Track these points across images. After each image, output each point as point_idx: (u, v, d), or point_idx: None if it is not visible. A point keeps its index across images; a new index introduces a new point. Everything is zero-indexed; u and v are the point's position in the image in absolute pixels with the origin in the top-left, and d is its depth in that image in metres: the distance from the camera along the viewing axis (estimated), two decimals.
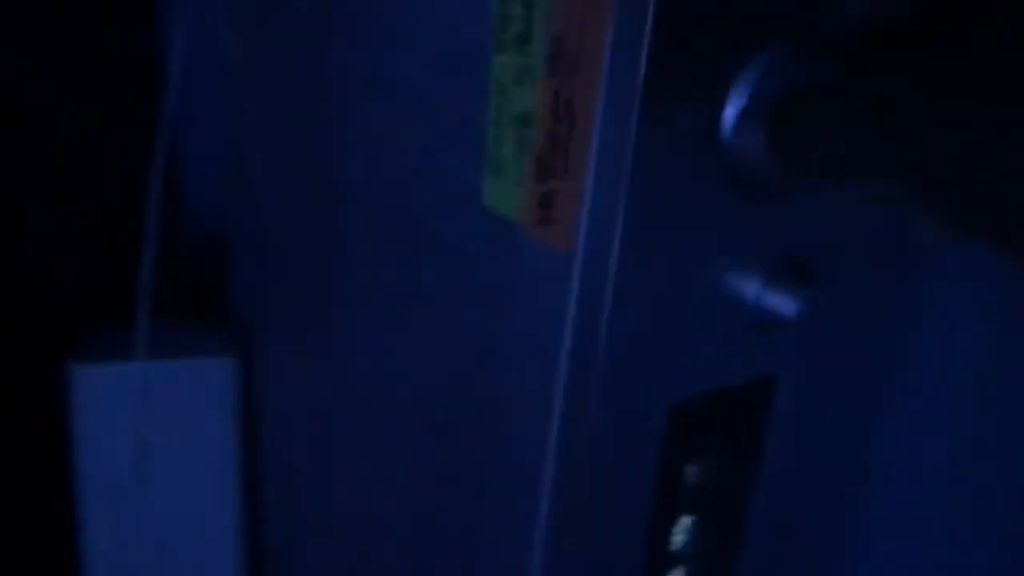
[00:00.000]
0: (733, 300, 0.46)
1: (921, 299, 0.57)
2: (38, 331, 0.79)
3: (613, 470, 0.47)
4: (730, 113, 0.41)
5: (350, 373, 0.64)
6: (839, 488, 0.60)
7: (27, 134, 0.77)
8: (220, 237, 0.82)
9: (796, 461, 0.55)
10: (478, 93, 0.45)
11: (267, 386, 0.77)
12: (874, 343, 0.56)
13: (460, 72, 0.47)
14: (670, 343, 0.45)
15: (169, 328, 0.69)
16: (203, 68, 0.69)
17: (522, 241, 0.45)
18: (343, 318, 0.64)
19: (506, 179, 0.45)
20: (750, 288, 0.46)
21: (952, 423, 0.58)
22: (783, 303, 0.46)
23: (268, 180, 0.70)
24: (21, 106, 0.76)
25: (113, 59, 0.77)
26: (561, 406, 0.45)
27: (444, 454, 0.55)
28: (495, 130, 0.45)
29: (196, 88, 0.68)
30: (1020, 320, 0.53)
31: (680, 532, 0.53)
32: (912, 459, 0.59)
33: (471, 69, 0.45)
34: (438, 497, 0.57)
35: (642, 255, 0.41)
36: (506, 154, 0.45)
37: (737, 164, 0.42)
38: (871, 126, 0.36)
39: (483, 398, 0.50)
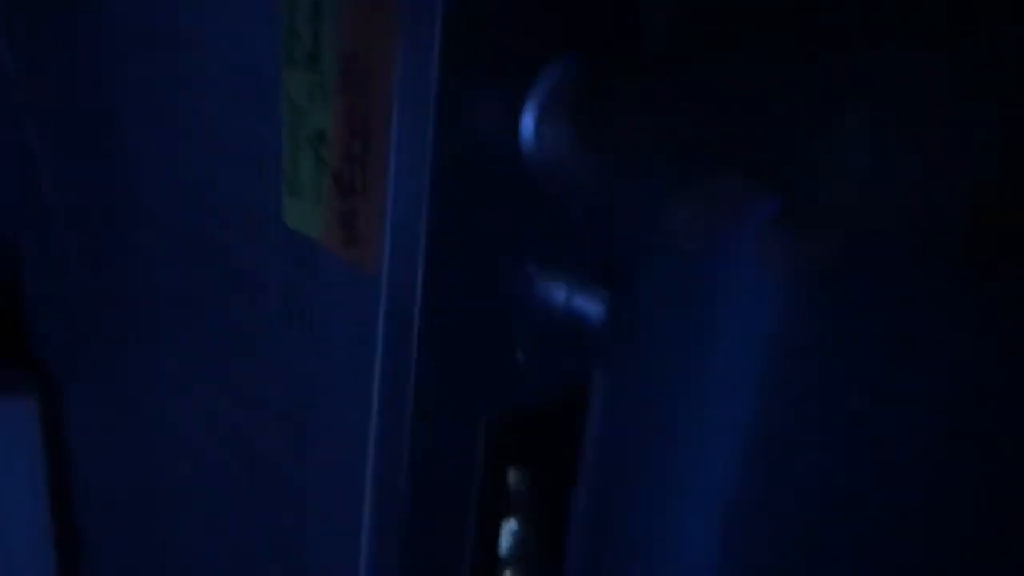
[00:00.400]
0: (544, 307, 0.47)
1: (735, 296, 0.59)
2: None
3: (433, 487, 0.47)
4: (529, 115, 0.41)
5: (156, 406, 0.61)
6: (656, 488, 0.61)
7: None
8: (10, 262, 0.77)
9: (615, 461, 0.56)
10: (272, 113, 0.43)
11: (74, 423, 0.73)
12: (686, 344, 0.57)
13: (253, 93, 0.45)
14: (484, 356, 0.45)
15: None
16: None
17: (330, 264, 0.44)
18: (146, 351, 0.61)
19: (306, 199, 0.44)
20: (559, 294, 0.47)
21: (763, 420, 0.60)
22: (590, 307, 0.46)
23: (60, 207, 0.66)
24: None
25: None
26: (376, 430, 0.44)
27: (263, 486, 0.54)
28: (292, 150, 0.44)
29: None
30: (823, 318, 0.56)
31: (506, 535, 0.53)
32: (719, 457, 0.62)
33: (263, 89, 0.44)
34: (258, 526, 0.55)
35: (449, 271, 0.41)
36: (304, 174, 0.43)
37: (541, 169, 0.42)
38: (672, 101, 0.37)
39: (297, 426, 0.49)
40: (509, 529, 0.53)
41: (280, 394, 0.50)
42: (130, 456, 0.67)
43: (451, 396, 0.45)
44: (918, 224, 0.38)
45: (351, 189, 0.41)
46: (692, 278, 0.54)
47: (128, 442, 0.67)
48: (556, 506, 0.55)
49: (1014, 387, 0.49)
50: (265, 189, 0.46)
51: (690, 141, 0.38)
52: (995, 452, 0.51)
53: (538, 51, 0.41)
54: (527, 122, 0.41)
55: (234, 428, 0.54)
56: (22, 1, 0.63)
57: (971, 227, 0.37)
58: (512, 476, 0.51)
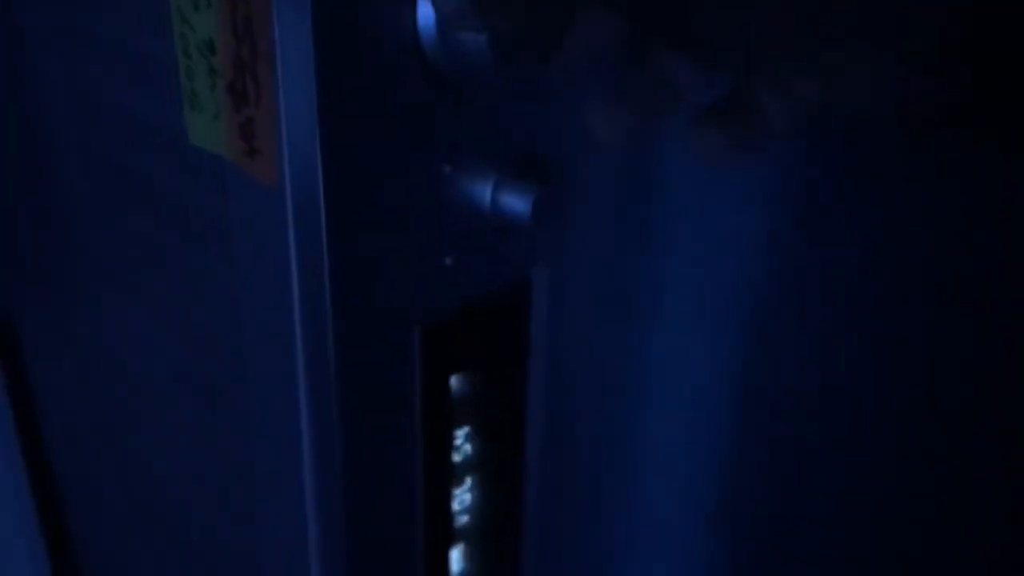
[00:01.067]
0: (467, 209, 0.45)
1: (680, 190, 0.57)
2: None
3: (372, 402, 0.46)
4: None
5: (98, 337, 0.61)
6: (615, 392, 0.60)
7: None
8: None
9: (569, 365, 0.55)
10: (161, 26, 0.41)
11: (33, 365, 0.72)
12: (625, 239, 0.56)
13: (150, 13, 0.43)
14: (408, 263, 0.44)
15: None
16: None
17: (237, 178, 0.42)
18: (82, 281, 0.60)
19: (206, 113, 0.42)
20: (482, 193, 0.45)
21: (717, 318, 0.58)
22: (517, 203, 0.45)
23: None
24: None
25: None
26: (302, 345, 0.43)
27: (205, 407, 0.53)
28: (185, 61, 0.42)
29: None
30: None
31: (460, 442, 0.53)
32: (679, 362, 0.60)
33: (158, 7, 0.42)
34: (208, 447, 0.55)
35: (352, 176, 0.39)
36: (200, 86, 0.41)
37: (442, 61, 0.40)
38: None
39: (228, 346, 0.48)
40: (463, 436, 0.53)
41: (205, 314, 0.49)
42: (87, 392, 0.67)
43: (377, 308, 0.44)
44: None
45: (245, 99, 0.39)
46: (624, 172, 0.52)
47: (81, 376, 0.67)
48: (509, 410, 0.54)
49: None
50: (169, 109, 0.44)
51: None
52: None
53: None
54: (423, 10, 0.39)
55: (169, 351, 0.53)
56: None
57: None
58: (457, 383, 0.50)
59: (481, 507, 0.55)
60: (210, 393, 0.51)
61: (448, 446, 0.51)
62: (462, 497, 0.54)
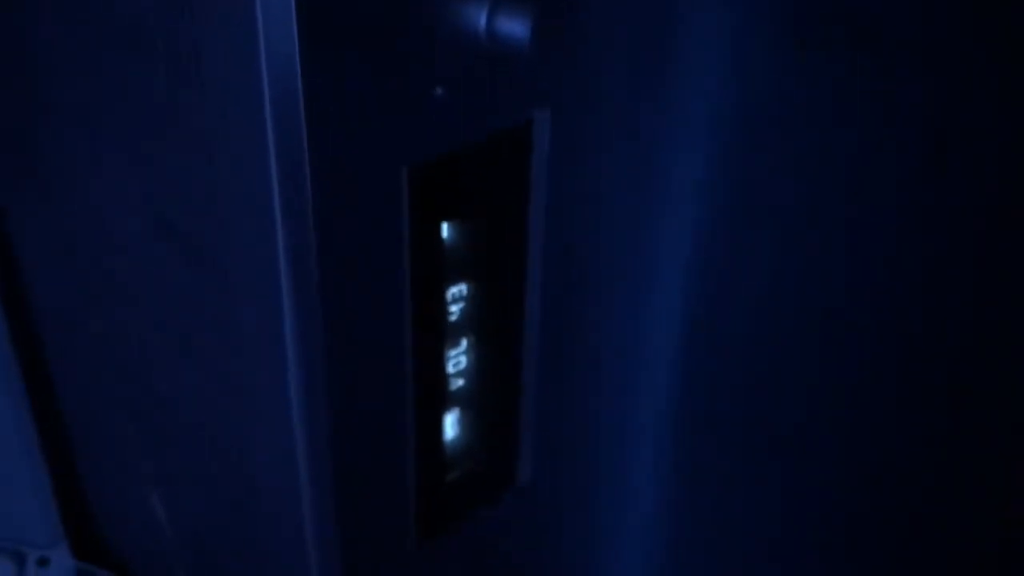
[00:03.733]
0: (460, 29, 0.40)
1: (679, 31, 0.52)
2: None
3: (357, 246, 0.42)
4: None
5: (84, 199, 0.57)
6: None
7: None
8: None
9: (572, 218, 0.51)
10: None
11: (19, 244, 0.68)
12: (636, 78, 0.51)
13: None
14: (394, 91, 0.39)
15: None
16: None
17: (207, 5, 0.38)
18: (63, 139, 0.55)
19: None
20: (477, 13, 0.40)
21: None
22: (515, 27, 0.40)
23: None
24: None
25: None
26: (280, 180, 0.39)
27: (189, 266, 0.49)
28: None
29: None
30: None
31: (456, 300, 0.49)
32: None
33: None
34: (194, 311, 0.51)
35: None
36: None
37: None
38: None
39: (207, 193, 0.44)
40: (459, 293, 0.49)
41: (183, 159, 0.44)
42: (75, 261, 0.63)
43: (361, 142, 0.40)
44: None
45: None
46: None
47: (68, 245, 0.63)
48: (507, 266, 0.50)
49: None
50: None
51: None
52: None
53: None
54: None
55: (152, 205, 0.49)
56: None
57: None
58: (450, 232, 0.46)
59: (477, 370, 0.52)
60: (190, 248, 0.48)
61: (441, 302, 0.48)
62: (457, 359, 0.51)
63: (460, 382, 0.52)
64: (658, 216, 0.55)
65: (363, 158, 0.40)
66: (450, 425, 0.53)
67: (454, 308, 0.49)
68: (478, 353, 0.51)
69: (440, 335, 0.48)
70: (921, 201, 0.47)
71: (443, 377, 0.50)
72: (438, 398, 0.50)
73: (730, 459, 0.63)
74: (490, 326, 0.51)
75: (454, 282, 0.48)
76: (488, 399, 0.53)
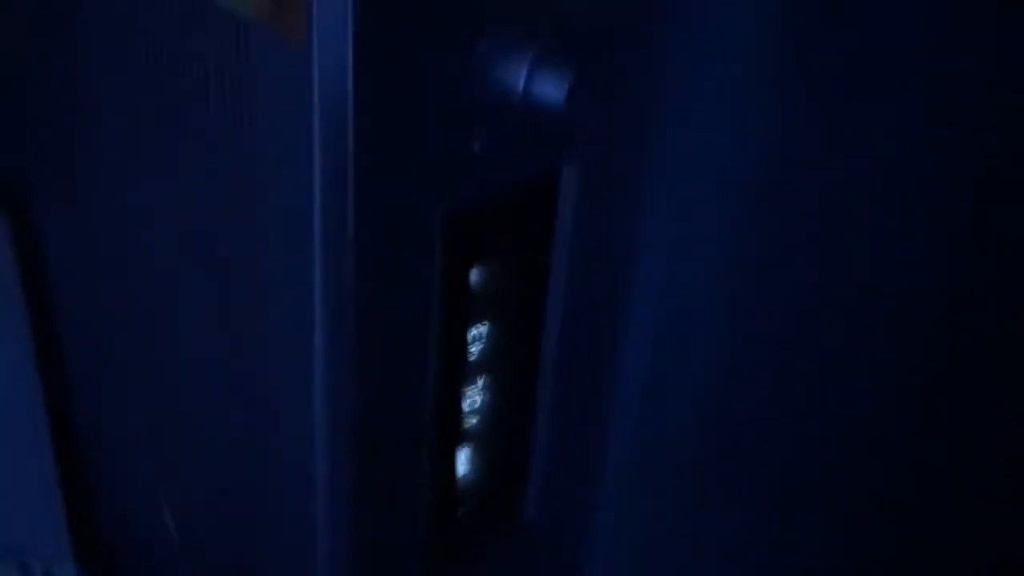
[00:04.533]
0: (500, 90, 0.43)
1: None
2: None
3: (390, 288, 0.44)
4: None
5: (121, 209, 0.59)
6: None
7: None
8: None
9: (589, 257, 0.53)
10: None
11: (47, 237, 0.70)
12: (660, 132, 0.53)
13: None
14: (435, 144, 0.42)
15: None
16: None
17: (261, 38, 0.40)
18: (97, 153, 0.58)
19: None
20: (516, 76, 0.43)
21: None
22: (553, 89, 0.42)
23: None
24: None
25: None
26: (322, 220, 0.41)
27: (217, 279, 0.51)
28: None
29: None
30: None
31: (476, 340, 0.51)
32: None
33: None
34: (219, 322, 0.53)
35: (385, 40, 0.37)
36: None
37: None
38: None
39: (243, 213, 0.46)
40: (479, 334, 0.51)
41: (220, 185, 0.47)
42: (101, 270, 0.65)
43: (401, 188, 0.42)
44: None
45: None
46: (667, 57, 0.50)
47: (95, 254, 0.65)
48: (528, 308, 0.52)
49: None
50: None
51: None
52: None
53: None
54: None
55: (181, 221, 0.52)
56: None
57: None
58: (477, 275, 0.49)
59: (492, 409, 0.54)
60: (222, 269, 0.50)
61: (464, 341, 0.50)
62: (473, 397, 0.53)
63: (474, 420, 0.54)
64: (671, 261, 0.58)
65: (403, 204, 0.42)
66: (463, 462, 0.54)
67: (474, 348, 0.51)
68: (493, 392, 0.53)
69: (460, 373, 0.50)
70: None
71: (460, 414, 0.52)
72: (454, 434, 0.52)
73: (741, 499, 0.64)
74: (507, 366, 0.53)
75: (476, 322, 0.50)
76: (500, 437, 0.55)
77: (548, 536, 0.62)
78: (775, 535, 0.63)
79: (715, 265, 0.58)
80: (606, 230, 0.53)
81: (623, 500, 0.66)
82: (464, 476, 0.55)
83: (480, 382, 0.53)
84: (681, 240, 0.57)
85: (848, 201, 0.53)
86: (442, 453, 0.52)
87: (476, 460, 0.55)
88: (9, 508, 0.77)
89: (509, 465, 0.57)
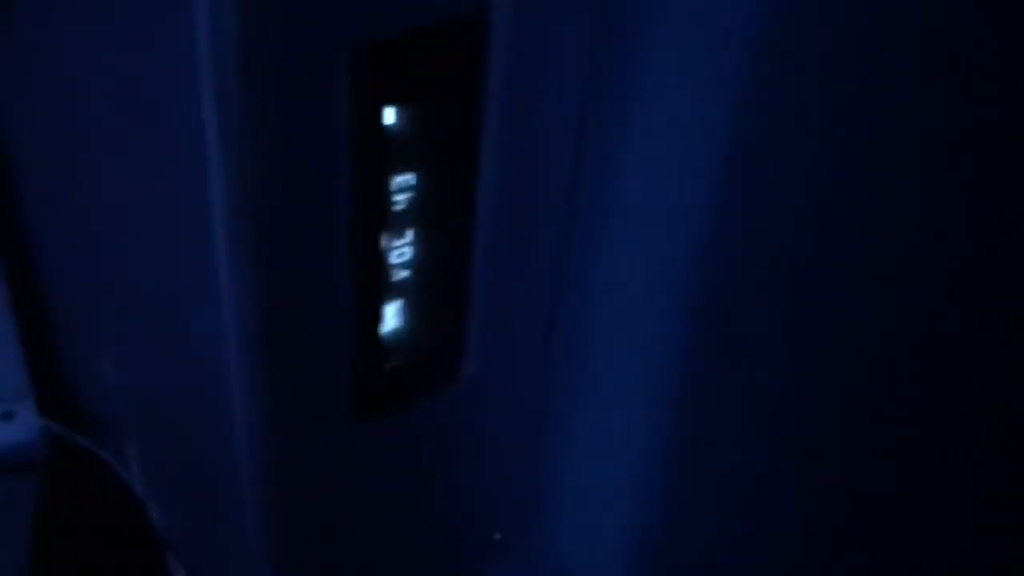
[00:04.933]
0: None
1: None
2: None
3: (293, 127, 0.41)
4: None
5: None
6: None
7: None
8: None
9: (533, 105, 0.49)
10: None
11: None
12: None
13: None
14: None
15: None
16: None
17: None
18: None
19: None
20: None
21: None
22: None
23: None
24: None
25: None
26: (211, 53, 0.38)
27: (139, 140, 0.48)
28: None
29: None
30: None
31: (401, 190, 0.48)
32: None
33: None
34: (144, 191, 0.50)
35: None
36: None
37: None
38: None
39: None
40: (403, 183, 0.48)
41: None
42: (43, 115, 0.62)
43: (297, 21, 0.38)
44: None
45: None
46: None
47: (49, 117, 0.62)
48: (461, 155, 0.49)
49: None
50: None
51: None
52: None
53: None
54: None
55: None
56: None
57: None
58: (397, 119, 0.45)
59: (423, 262, 0.51)
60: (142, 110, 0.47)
61: (382, 191, 0.47)
62: (401, 250, 0.50)
63: (405, 273, 0.51)
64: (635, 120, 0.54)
65: (298, 35, 0.39)
66: (392, 314, 0.52)
67: (399, 198, 0.48)
68: (425, 244, 0.51)
69: (378, 223, 0.47)
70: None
71: (381, 266, 0.49)
72: (375, 287, 0.50)
73: (736, 382, 0.60)
74: (438, 218, 0.50)
75: (399, 172, 0.47)
76: (433, 291, 0.52)
77: (495, 394, 0.60)
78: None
79: (710, 126, 0.53)
80: (555, 73, 0.49)
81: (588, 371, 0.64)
82: (394, 330, 0.52)
83: (411, 234, 0.50)
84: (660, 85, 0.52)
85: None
86: (362, 305, 0.49)
87: (407, 314, 0.53)
88: None
89: (444, 319, 0.54)
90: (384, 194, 0.47)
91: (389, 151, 0.45)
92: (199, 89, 0.39)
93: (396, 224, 0.49)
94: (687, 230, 0.53)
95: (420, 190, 0.48)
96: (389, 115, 0.45)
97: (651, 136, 0.52)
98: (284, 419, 0.50)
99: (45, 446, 0.79)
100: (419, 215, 0.49)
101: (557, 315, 0.62)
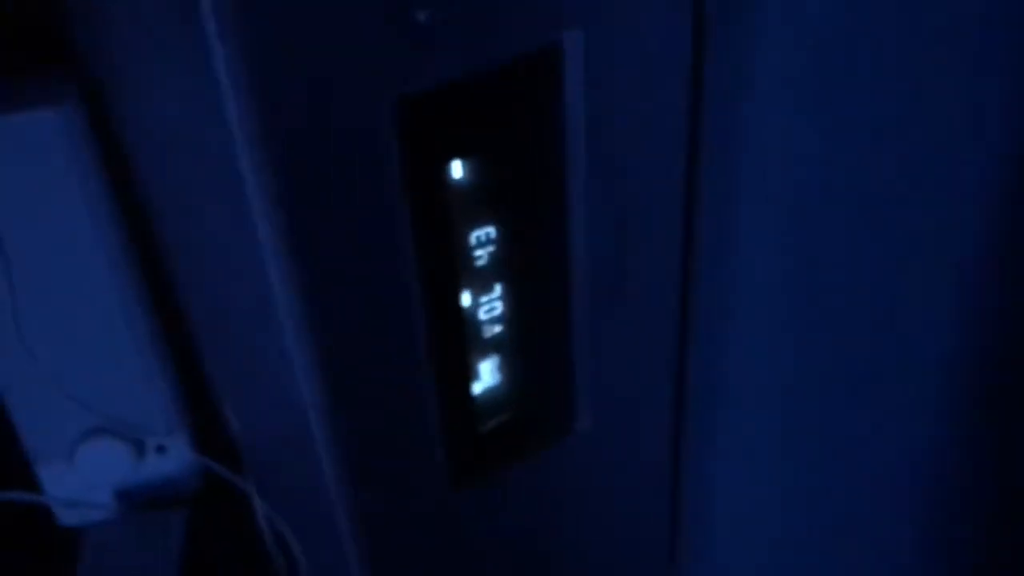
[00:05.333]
0: None
1: None
2: None
3: (344, 193, 0.38)
4: None
5: None
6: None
7: None
8: None
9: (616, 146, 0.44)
10: None
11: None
12: None
13: None
14: (367, 17, 0.34)
15: None
16: None
17: None
18: None
19: None
20: None
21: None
22: None
23: None
24: None
25: None
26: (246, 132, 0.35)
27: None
28: None
29: None
30: None
31: (481, 245, 0.44)
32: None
33: None
34: None
35: None
36: None
37: None
38: None
39: None
40: (483, 237, 0.44)
41: None
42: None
43: (330, 71, 0.35)
44: None
45: None
46: None
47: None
48: (540, 202, 0.44)
49: None
50: None
51: None
52: None
53: None
54: None
55: None
56: None
57: None
58: (461, 169, 0.41)
59: (516, 316, 0.47)
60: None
61: (453, 246, 0.43)
62: (491, 305, 0.46)
63: (497, 328, 0.47)
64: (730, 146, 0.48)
65: (338, 92, 0.35)
66: (488, 372, 0.48)
67: (480, 252, 0.44)
68: (516, 298, 0.47)
69: (455, 281, 0.44)
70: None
71: (463, 324, 0.45)
72: (459, 345, 0.46)
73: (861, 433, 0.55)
74: (526, 270, 0.46)
75: (475, 225, 0.43)
76: (530, 346, 0.48)
77: (614, 447, 0.56)
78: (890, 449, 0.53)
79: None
80: (645, 98, 0.44)
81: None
82: (490, 389, 0.49)
83: (498, 288, 0.46)
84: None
85: None
86: (446, 365, 0.46)
87: (505, 372, 0.49)
88: (121, 388, 0.78)
89: (545, 376, 0.50)
90: (456, 250, 0.43)
91: (457, 205, 0.42)
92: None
93: (479, 279, 0.45)
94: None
95: (503, 242, 0.44)
96: (457, 168, 0.41)
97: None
98: (377, 482, 0.48)
99: (197, 480, 0.80)
100: (505, 268, 0.45)
101: (687, 353, 0.56)
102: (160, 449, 0.81)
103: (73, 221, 0.65)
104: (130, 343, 0.76)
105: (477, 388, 0.48)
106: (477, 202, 0.42)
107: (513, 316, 0.47)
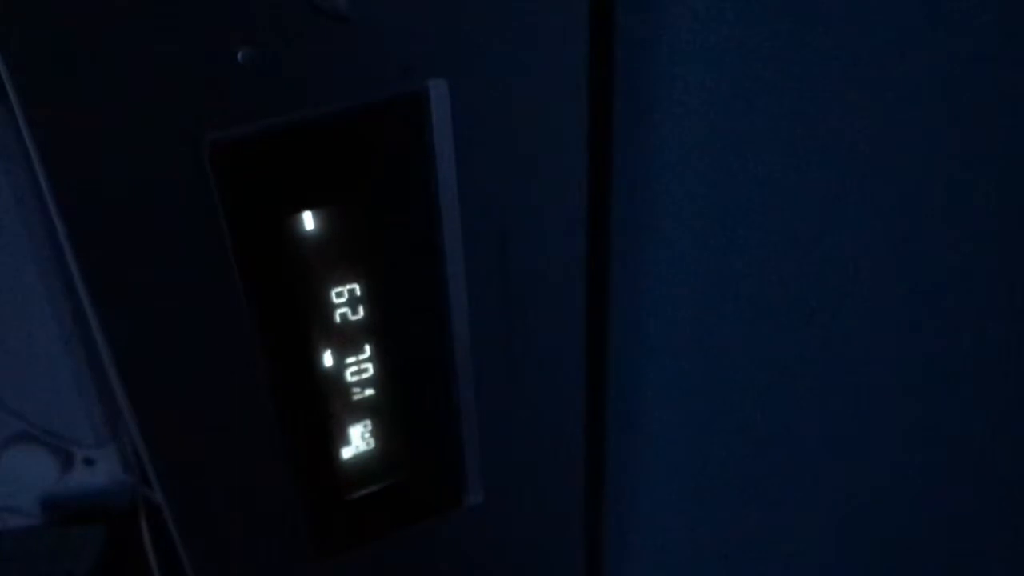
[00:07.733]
0: None
1: None
2: None
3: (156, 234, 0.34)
4: None
5: None
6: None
7: None
8: None
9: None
10: None
11: None
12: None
13: None
14: (183, 57, 0.30)
15: None
16: None
17: None
18: None
19: None
20: None
21: None
22: None
23: None
24: None
25: None
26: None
27: None
28: None
29: None
30: None
31: (343, 303, 0.40)
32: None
33: None
34: None
35: None
36: None
37: None
38: None
39: None
40: (347, 293, 0.40)
41: None
42: None
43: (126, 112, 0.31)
44: None
45: None
46: None
47: None
48: (410, 255, 0.39)
49: None
50: None
51: None
52: None
53: None
54: None
55: None
56: None
57: None
58: (312, 220, 0.37)
59: (389, 378, 0.43)
60: None
61: (298, 305, 0.39)
62: (360, 366, 0.42)
63: (368, 391, 0.43)
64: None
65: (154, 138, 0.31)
66: (359, 437, 0.44)
67: (342, 311, 0.40)
68: (389, 359, 0.42)
69: (308, 342, 0.40)
70: None
71: (323, 386, 0.41)
72: (319, 409, 0.42)
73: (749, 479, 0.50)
74: (399, 329, 0.41)
75: (336, 281, 0.39)
76: (406, 410, 0.44)
77: (508, 517, 0.51)
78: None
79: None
80: (529, 153, 0.39)
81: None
82: (359, 456, 0.44)
83: (368, 348, 0.42)
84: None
85: None
86: (306, 431, 0.41)
87: (380, 436, 0.44)
88: (51, 398, 0.76)
89: (428, 442, 0.45)
90: (312, 307, 0.39)
91: (310, 260, 0.37)
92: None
93: (343, 338, 0.41)
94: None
95: (370, 300, 0.40)
96: (308, 220, 0.37)
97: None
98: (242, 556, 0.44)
99: (125, 496, 0.78)
100: (373, 327, 0.41)
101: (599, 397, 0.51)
102: (88, 462, 0.78)
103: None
104: (63, 353, 0.74)
105: (347, 453, 0.44)
106: (338, 256, 0.38)
107: (386, 378, 0.42)
